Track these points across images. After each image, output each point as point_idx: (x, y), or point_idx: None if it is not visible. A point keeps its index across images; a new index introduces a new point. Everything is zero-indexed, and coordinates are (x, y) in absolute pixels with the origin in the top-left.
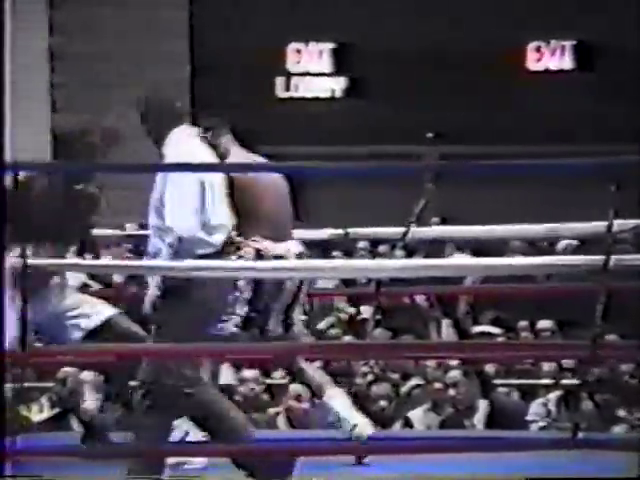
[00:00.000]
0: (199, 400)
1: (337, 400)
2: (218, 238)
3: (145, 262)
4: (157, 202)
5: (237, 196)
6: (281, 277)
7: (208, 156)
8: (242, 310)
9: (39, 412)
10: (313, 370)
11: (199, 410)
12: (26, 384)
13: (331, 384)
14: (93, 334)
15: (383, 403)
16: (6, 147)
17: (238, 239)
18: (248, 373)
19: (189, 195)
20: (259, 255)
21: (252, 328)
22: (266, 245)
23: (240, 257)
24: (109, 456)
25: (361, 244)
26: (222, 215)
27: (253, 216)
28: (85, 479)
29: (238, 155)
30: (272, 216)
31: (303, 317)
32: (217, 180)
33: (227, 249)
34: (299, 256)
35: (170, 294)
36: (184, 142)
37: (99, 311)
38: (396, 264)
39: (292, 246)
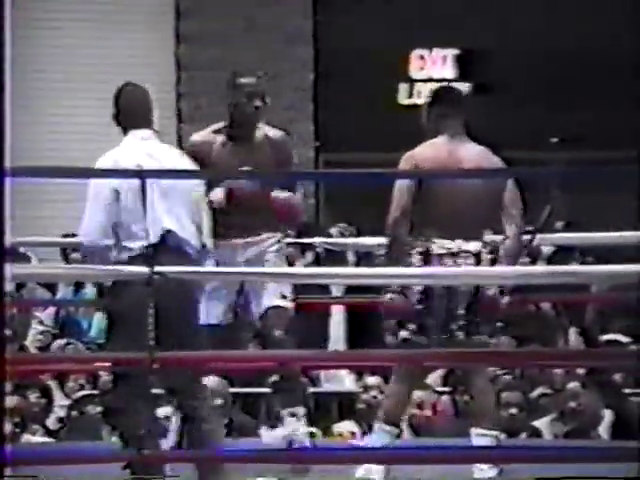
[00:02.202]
0: None
1: None
2: (139, 244)
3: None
4: None
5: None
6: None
7: (135, 160)
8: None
9: None
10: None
11: None
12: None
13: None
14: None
15: (513, 411)
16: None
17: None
18: (371, 380)
19: (94, 204)
20: (426, 255)
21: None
22: (433, 247)
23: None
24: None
25: None
26: (151, 220)
27: (430, 215)
28: (85, 479)
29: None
30: (451, 214)
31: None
32: (164, 185)
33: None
34: (476, 255)
35: None
36: (130, 144)
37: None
38: (519, 271)
39: (471, 246)
